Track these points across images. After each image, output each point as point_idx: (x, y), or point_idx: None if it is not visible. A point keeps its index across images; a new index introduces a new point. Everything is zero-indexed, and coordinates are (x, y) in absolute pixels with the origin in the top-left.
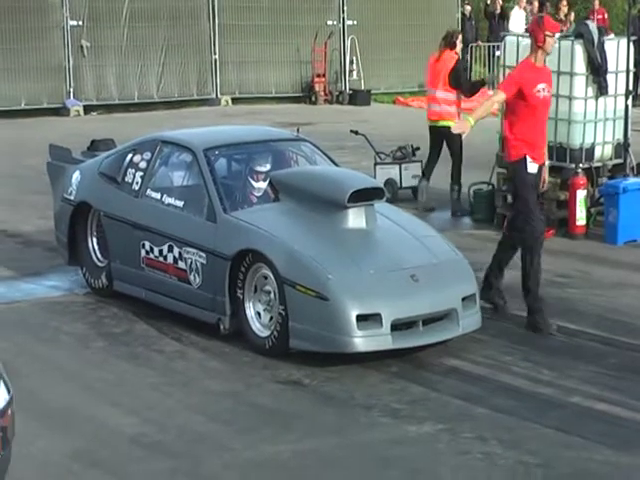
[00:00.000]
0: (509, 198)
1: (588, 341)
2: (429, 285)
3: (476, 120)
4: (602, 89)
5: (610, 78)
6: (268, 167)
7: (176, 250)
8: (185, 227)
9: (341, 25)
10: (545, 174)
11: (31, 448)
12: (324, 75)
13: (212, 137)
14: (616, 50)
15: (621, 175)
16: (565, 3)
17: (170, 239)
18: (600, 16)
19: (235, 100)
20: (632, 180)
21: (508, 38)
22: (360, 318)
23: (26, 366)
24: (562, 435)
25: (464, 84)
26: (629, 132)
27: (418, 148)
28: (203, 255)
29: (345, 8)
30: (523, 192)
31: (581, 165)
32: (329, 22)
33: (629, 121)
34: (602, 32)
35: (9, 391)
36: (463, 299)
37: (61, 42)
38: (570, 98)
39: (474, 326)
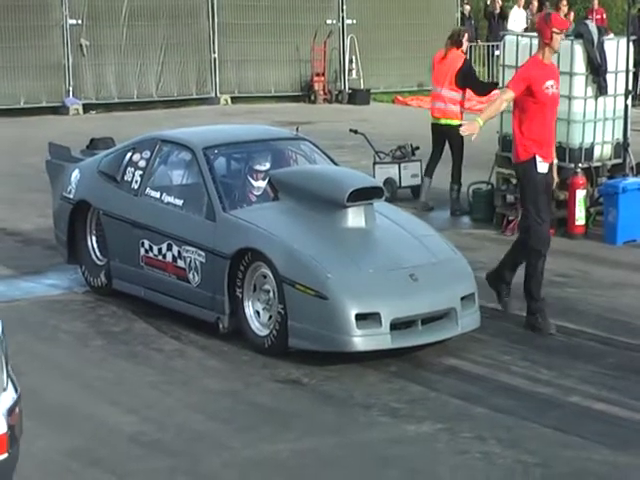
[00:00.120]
0: (508, 198)
1: (587, 341)
2: (428, 284)
3: (485, 120)
4: (602, 89)
5: (610, 78)
6: (267, 166)
7: (175, 249)
8: (184, 226)
9: (340, 24)
10: (554, 172)
11: (30, 446)
12: (323, 74)
13: (211, 136)
14: (616, 50)
15: (620, 175)
16: (565, 3)
17: (169, 238)
18: (599, 16)
19: (234, 99)
20: (631, 180)
21: (507, 37)
22: (359, 317)
23: (25, 364)
24: (561, 435)
25: (475, 85)
26: (628, 132)
27: (417, 147)
28: (202, 254)
29: (344, 7)
30: (532, 194)
31: (580, 165)
32: (328, 21)
33: (628, 121)
34: (602, 32)
35: (16, 390)
36: (462, 298)
37: (60, 41)
38: (569, 98)
39: (473, 325)
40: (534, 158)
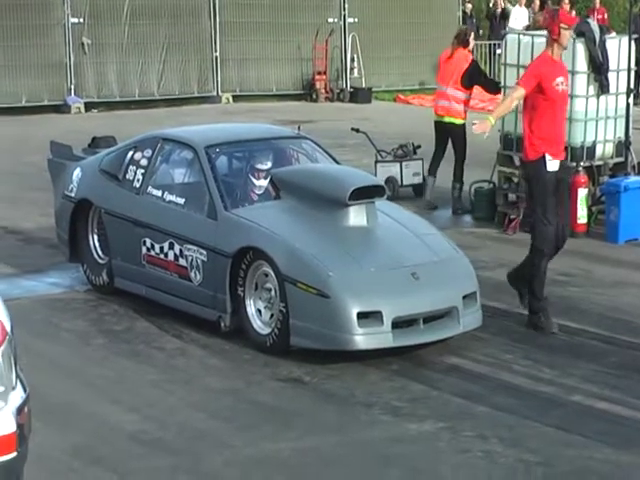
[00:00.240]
0: (510, 197)
1: (589, 339)
2: (430, 283)
3: (496, 119)
4: (603, 87)
5: (611, 76)
6: (269, 165)
7: (177, 247)
8: (186, 224)
9: (342, 22)
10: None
11: (31, 445)
12: (325, 73)
13: (213, 135)
14: (617, 48)
15: (622, 174)
16: (567, 1)
17: (171, 236)
18: (600, 16)
19: (236, 98)
20: (633, 179)
21: (509, 36)
22: (361, 316)
23: (26, 363)
24: (562, 433)
25: (485, 83)
26: (630, 130)
27: (419, 146)
28: (204, 252)
29: (346, 5)
30: (540, 194)
31: (582, 163)
32: (330, 19)
33: (630, 119)
34: (603, 30)
35: (25, 389)
36: (464, 297)
37: (62, 39)
38: (571, 96)
39: (475, 324)
40: (543, 157)
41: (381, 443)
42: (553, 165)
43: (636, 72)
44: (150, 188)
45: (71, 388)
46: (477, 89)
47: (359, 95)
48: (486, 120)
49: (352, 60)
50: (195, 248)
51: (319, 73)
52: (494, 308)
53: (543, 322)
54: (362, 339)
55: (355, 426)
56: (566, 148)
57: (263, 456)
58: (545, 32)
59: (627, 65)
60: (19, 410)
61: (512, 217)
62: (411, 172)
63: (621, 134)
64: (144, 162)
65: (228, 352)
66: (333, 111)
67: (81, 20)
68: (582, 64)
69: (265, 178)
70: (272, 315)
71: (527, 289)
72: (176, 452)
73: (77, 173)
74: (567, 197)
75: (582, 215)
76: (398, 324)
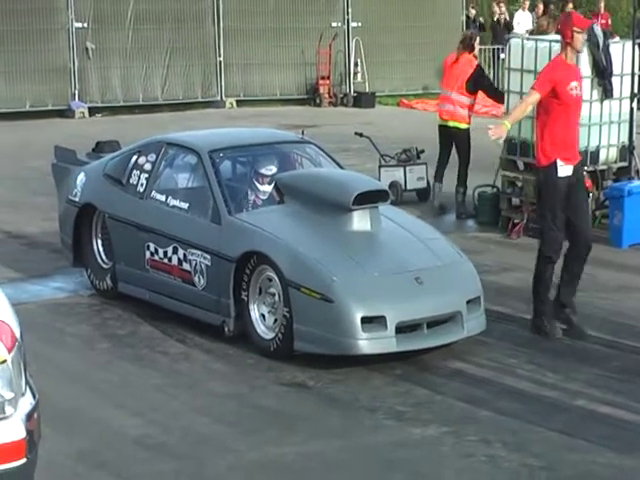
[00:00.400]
0: (514, 201)
1: (592, 344)
2: (434, 288)
3: (512, 123)
4: (607, 92)
5: (615, 81)
6: (273, 169)
7: (181, 252)
8: (190, 229)
9: (345, 27)
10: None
11: (40, 451)
12: (328, 77)
13: (217, 139)
14: (621, 53)
15: (626, 178)
16: (571, 6)
17: (175, 241)
18: (604, 21)
19: (240, 102)
20: (637, 183)
21: (513, 40)
22: (365, 320)
23: (31, 367)
24: (566, 438)
25: (488, 88)
26: (634, 135)
27: (423, 150)
28: (208, 257)
29: (350, 10)
30: (550, 200)
31: (586, 168)
32: (334, 24)
33: (634, 124)
34: (607, 35)
35: (35, 396)
36: (468, 302)
37: (66, 44)
38: None
39: (479, 329)
40: (555, 163)
41: (385, 448)
42: (565, 170)
43: None
44: (154, 193)
45: (75, 393)
46: (481, 94)
47: (363, 99)
48: (502, 125)
49: (356, 65)
50: (199, 252)
51: (323, 78)
52: (498, 312)
53: (547, 327)
54: (366, 344)
55: (359, 431)
56: None
57: (267, 460)
58: (548, 36)
59: (631, 70)
60: (29, 416)
61: (516, 221)
62: (415, 177)
63: (625, 139)
64: (148, 167)
65: (232, 357)
66: (337, 116)
67: (85, 25)
68: (586, 69)
69: (269, 184)
70: (276, 320)
71: (532, 291)
72: (180, 456)
73: (81, 178)
74: (585, 198)
75: None
76: (402, 329)
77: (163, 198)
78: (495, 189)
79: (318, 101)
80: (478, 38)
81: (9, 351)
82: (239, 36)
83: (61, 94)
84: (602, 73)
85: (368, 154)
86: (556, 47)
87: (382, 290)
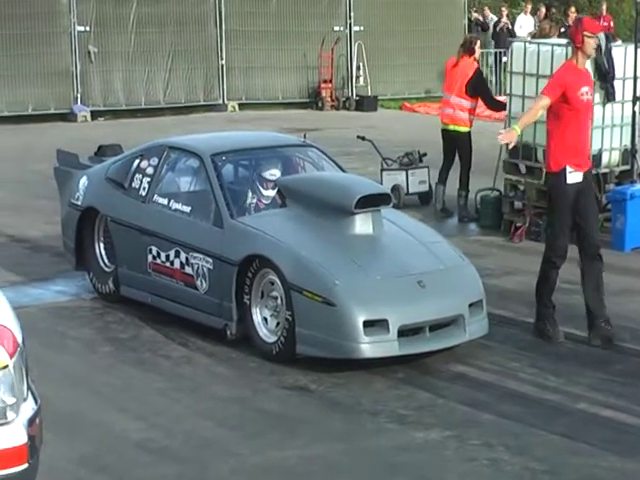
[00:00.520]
0: (516, 204)
1: (594, 348)
2: (436, 291)
3: (522, 128)
4: (609, 95)
5: (617, 84)
6: (275, 173)
7: (183, 255)
8: (192, 232)
9: (348, 31)
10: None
11: (42, 456)
12: (331, 81)
13: (219, 143)
14: (623, 56)
15: (628, 181)
16: (573, 10)
17: (177, 244)
18: (606, 23)
19: (242, 106)
20: (639, 186)
21: (515, 44)
22: (367, 324)
23: (33, 371)
24: (568, 442)
25: (485, 96)
26: (636, 138)
27: (425, 154)
28: (210, 260)
29: (352, 14)
30: (558, 206)
31: None
32: (336, 28)
33: (636, 127)
34: (609, 38)
35: (36, 401)
36: (470, 305)
37: (68, 48)
38: None
39: (481, 332)
40: (564, 170)
41: (387, 451)
42: (574, 177)
43: None
44: (156, 196)
45: (78, 396)
46: None
47: (365, 103)
48: (512, 130)
49: (358, 68)
50: (201, 256)
51: (325, 81)
52: (500, 316)
53: (550, 331)
54: (368, 347)
55: (361, 434)
56: None
57: (269, 464)
58: (550, 40)
59: (633, 73)
60: (30, 422)
61: (518, 225)
62: (417, 180)
63: (627, 142)
64: (150, 170)
65: (234, 360)
66: (339, 119)
67: (87, 28)
68: None
69: (273, 188)
70: (278, 323)
71: (535, 294)
72: (182, 460)
73: (83, 181)
74: (594, 203)
75: None
76: (404, 332)
77: (165, 202)
78: (497, 192)
79: (320, 104)
80: (479, 42)
81: (11, 356)
82: (241, 39)
83: (63, 98)
84: (604, 76)
85: (370, 157)
86: (558, 51)
87: (384, 293)
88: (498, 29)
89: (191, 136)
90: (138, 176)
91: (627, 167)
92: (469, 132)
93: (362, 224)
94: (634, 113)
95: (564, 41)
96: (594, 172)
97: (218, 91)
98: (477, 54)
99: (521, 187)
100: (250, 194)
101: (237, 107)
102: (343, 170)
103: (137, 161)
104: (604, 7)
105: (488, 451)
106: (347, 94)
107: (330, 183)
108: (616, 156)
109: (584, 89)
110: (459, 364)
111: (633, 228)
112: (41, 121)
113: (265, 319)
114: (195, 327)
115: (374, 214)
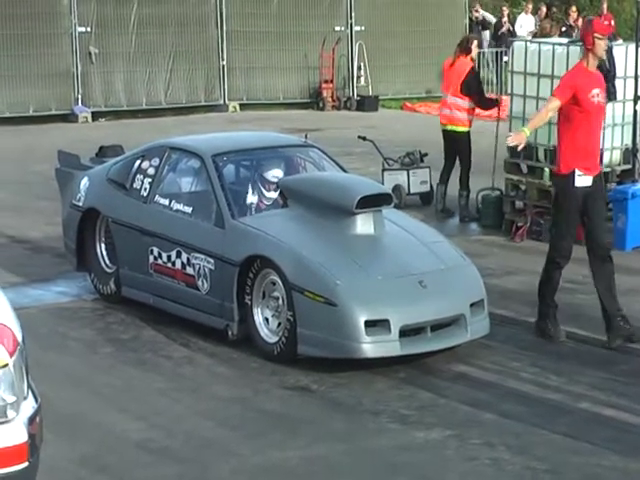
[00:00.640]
0: (517, 204)
1: (597, 347)
2: (437, 291)
3: (531, 130)
4: (610, 95)
5: (618, 84)
6: (277, 174)
7: (184, 256)
8: (193, 233)
9: (349, 31)
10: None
11: (42, 455)
12: (332, 81)
13: (220, 143)
14: (624, 55)
15: (630, 181)
16: (574, 9)
17: (178, 245)
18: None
19: (243, 106)
20: None
21: (516, 44)
22: (368, 324)
23: (34, 372)
24: (570, 441)
25: (477, 97)
26: (638, 138)
27: (426, 154)
28: (211, 261)
29: (353, 14)
30: (565, 209)
31: None
32: (337, 28)
33: (637, 127)
34: (610, 38)
35: (37, 399)
36: (471, 305)
37: (69, 48)
38: None
39: (482, 332)
40: (573, 173)
41: (389, 451)
42: (582, 181)
43: None
44: (157, 197)
45: (78, 397)
46: None
47: (366, 103)
48: (521, 132)
49: (359, 68)
50: (202, 257)
51: (326, 81)
52: (501, 316)
53: (551, 330)
54: (369, 347)
55: (363, 434)
56: None
57: (270, 464)
58: (551, 39)
59: (634, 72)
60: (31, 420)
61: (519, 224)
62: (418, 180)
63: (628, 141)
64: (151, 171)
65: (235, 360)
66: (340, 119)
67: (88, 29)
68: None
69: (275, 190)
70: (279, 323)
71: (538, 294)
72: (183, 461)
73: (85, 182)
74: (602, 205)
75: None
76: (406, 332)
77: (167, 202)
78: (498, 192)
79: (321, 105)
80: (476, 41)
81: (11, 355)
82: (242, 40)
83: (64, 99)
84: (605, 76)
85: (371, 158)
86: (559, 50)
87: (386, 293)
88: (500, 33)
89: (192, 136)
90: (139, 177)
91: (628, 166)
92: (468, 132)
93: (363, 224)
94: (635, 112)
95: (565, 40)
96: None
97: (219, 91)
98: (474, 53)
99: (522, 187)
100: (251, 194)
101: (238, 107)
102: (344, 170)
103: (138, 162)
104: (605, 6)
105: (489, 451)
106: (348, 94)
107: (331, 183)
108: (617, 155)
109: (595, 91)
110: (460, 364)
111: (634, 227)
112: (42, 122)
113: (266, 319)
114: (196, 328)
115: (375, 214)
